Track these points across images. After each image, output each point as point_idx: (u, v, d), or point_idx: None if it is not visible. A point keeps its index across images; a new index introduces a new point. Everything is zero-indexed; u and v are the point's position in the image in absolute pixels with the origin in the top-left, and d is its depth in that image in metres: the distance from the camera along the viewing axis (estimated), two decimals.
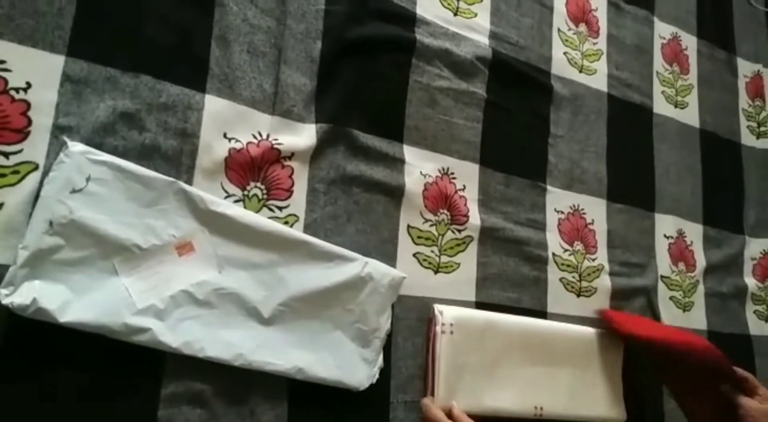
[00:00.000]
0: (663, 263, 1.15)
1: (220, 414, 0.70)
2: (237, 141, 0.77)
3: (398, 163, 0.89)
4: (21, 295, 0.59)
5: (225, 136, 0.76)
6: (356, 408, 0.79)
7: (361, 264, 0.79)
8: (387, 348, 0.82)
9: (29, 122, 0.65)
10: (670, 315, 1.13)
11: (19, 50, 0.65)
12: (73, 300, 0.62)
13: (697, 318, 1.18)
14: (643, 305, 1.10)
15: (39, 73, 0.66)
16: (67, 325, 0.61)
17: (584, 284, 1.04)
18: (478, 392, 0.85)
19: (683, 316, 1.15)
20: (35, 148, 0.65)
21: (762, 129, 1.40)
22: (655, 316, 1.11)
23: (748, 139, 1.37)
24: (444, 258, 0.91)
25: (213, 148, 0.75)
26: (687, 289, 1.17)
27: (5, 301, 0.59)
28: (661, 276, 1.14)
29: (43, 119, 0.65)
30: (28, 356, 0.62)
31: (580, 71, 1.12)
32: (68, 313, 0.61)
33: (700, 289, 1.19)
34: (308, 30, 0.85)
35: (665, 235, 1.17)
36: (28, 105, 0.65)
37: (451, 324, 0.85)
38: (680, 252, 1.19)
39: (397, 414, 0.82)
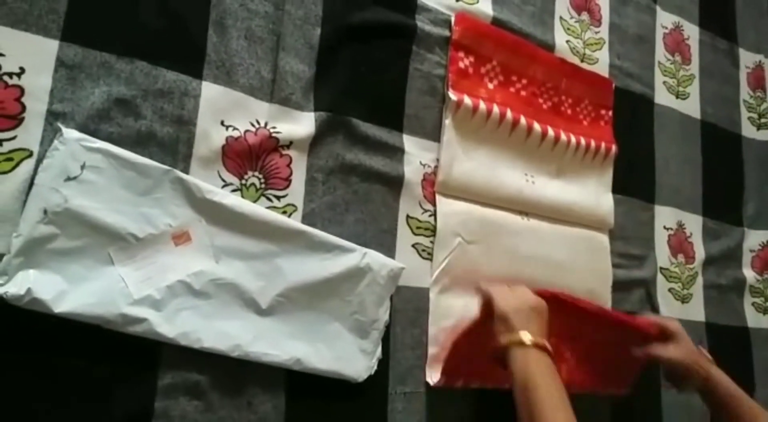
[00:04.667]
0: (662, 255, 1.15)
1: (217, 405, 0.70)
2: (234, 129, 0.75)
3: (398, 152, 0.88)
4: (15, 285, 0.58)
5: (222, 123, 0.75)
6: (354, 399, 0.78)
7: (359, 255, 0.79)
8: (386, 340, 0.81)
9: (23, 108, 0.63)
10: (668, 306, 1.13)
11: (12, 34, 0.64)
12: (68, 290, 0.61)
13: (695, 310, 1.17)
14: (642, 297, 1.10)
15: (33, 57, 0.65)
16: (63, 316, 0.60)
17: None
18: None
19: (681, 308, 1.15)
20: (29, 134, 0.63)
21: (763, 120, 1.39)
22: (654, 308, 1.11)
23: (748, 130, 1.36)
24: None
25: (210, 135, 0.74)
26: (686, 281, 1.17)
27: None
28: (661, 268, 1.14)
29: (37, 105, 0.64)
30: (23, 347, 0.61)
31: (582, 60, 1.11)
32: (63, 303, 0.60)
33: (698, 281, 1.19)
34: (307, 16, 0.83)
35: (665, 227, 1.17)
36: (22, 90, 0.64)
37: None
38: (680, 244, 1.18)
39: (395, 406, 0.81)
